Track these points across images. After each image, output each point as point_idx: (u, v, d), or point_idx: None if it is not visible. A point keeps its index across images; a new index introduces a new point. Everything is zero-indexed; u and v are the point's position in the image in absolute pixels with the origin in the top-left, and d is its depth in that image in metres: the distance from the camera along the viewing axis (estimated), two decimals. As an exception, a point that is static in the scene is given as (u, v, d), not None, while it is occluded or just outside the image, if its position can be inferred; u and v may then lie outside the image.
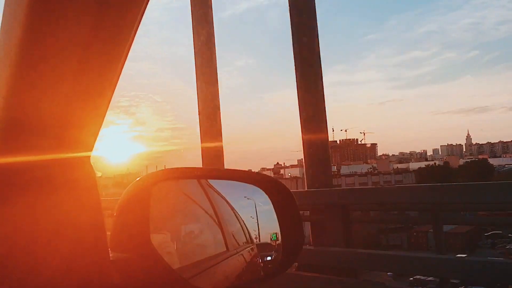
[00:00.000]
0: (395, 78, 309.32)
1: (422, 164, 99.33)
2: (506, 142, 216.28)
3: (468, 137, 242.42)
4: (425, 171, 73.69)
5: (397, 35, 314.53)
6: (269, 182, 1.23)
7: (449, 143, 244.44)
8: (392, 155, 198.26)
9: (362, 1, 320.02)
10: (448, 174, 67.80)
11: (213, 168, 1.72)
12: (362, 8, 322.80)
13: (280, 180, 1.30)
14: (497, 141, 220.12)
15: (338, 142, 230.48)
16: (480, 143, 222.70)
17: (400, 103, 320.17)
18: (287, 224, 1.20)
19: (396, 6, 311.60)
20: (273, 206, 1.21)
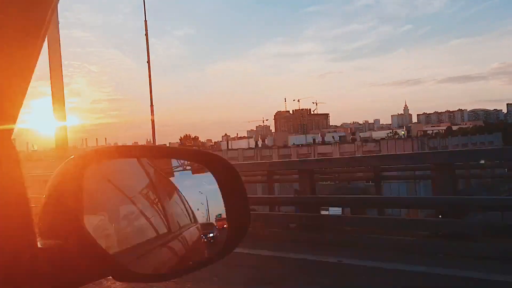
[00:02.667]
0: (334, 50, 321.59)
1: (384, 133, 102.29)
2: (453, 111, 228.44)
3: (406, 108, 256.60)
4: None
5: (336, 8, 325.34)
6: (213, 159, 1.20)
7: (399, 113, 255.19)
8: (341, 124, 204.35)
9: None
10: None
11: (153, 146, 1.68)
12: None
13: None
14: (444, 111, 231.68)
15: (291, 112, 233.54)
16: (426, 113, 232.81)
17: (339, 75, 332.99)
18: (233, 202, 1.18)
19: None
20: (218, 184, 1.19)
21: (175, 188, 1.44)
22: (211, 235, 1.34)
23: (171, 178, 1.42)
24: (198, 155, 1.21)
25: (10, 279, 0.83)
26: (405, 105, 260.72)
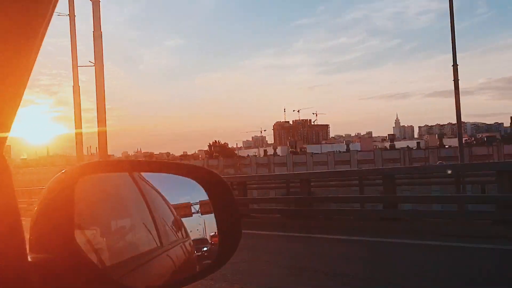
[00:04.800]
0: (323, 63, 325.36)
1: (402, 144, 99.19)
2: (455, 123, 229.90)
3: (397, 121, 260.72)
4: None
5: (326, 21, 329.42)
6: (205, 175, 1.23)
7: (403, 125, 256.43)
8: (341, 135, 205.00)
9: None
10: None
11: (145, 160, 1.69)
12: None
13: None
14: (447, 123, 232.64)
15: (291, 122, 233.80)
16: (428, 125, 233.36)
17: (328, 87, 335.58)
18: (224, 218, 1.20)
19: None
20: (210, 199, 1.21)
21: (168, 204, 1.46)
22: (204, 249, 1.37)
23: (163, 192, 1.45)
24: (189, 169, 1.23)
25: None
26: (397, 118, 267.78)
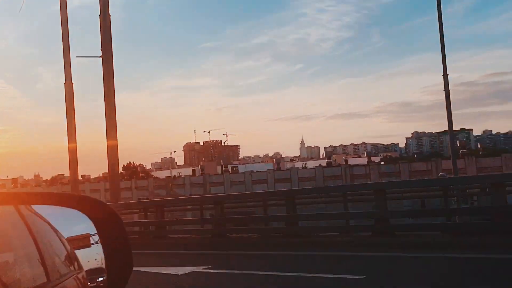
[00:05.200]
0: (230, 85, 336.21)
1: (312, 163, 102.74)
2: (357, 144, 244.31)
3: (303, 142, 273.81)
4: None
5: (232, 45, 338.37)
6: (92, 204, 1.21)
7: (308, 145, 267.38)
8: (249, 156, 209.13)
9: (197, 9, 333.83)
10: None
11: (32, 192, 1.61)
12: (197, 16, 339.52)
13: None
14: (349, 143, 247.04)
15: (201, 143, 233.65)
16: (332, 145, 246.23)
17: (236, 109, 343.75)
18: (113, 247, 1.19)
19: (231, 17, 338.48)
20: (97, 229, 1.19)
21: (60, 236, 1.41)
22: (100, 279, 1.33)
23: (52, 223, 1.39)
24: (75, 199, 1.20)
25: None
26: (302, 139, 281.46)
